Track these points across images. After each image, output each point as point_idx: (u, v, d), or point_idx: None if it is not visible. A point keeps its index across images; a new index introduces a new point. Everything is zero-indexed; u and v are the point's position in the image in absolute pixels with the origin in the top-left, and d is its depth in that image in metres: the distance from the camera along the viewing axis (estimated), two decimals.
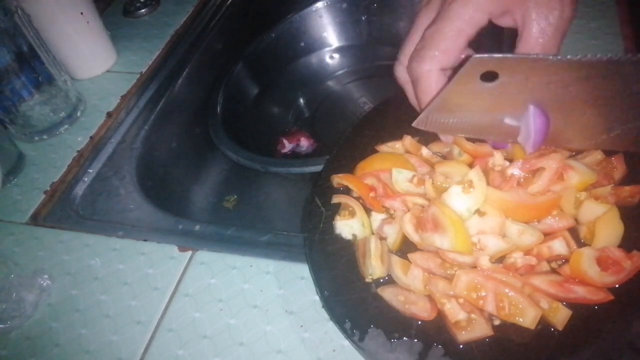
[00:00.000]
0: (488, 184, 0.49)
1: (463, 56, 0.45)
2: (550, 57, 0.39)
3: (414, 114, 0.52)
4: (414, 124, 0.49)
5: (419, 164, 0.56)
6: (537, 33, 0.43)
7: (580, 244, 0.47)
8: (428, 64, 0.45)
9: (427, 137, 0.60)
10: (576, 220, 0.48)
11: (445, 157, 0.57)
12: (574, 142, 0.48)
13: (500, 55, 0.39)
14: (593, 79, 0.40)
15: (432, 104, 0.46)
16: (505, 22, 0.46)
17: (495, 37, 0.70)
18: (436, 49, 0.45)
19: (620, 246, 0.45)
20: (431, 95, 0.46)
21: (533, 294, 0.44)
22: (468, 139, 0.54)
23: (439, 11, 0.45)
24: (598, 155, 0.51)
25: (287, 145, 0.93)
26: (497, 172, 0.50)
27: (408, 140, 0.58)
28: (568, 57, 0.38)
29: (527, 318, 0.42)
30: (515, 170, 0.49)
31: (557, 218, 0.48)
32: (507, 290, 0.43)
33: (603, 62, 0.38)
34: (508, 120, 0.46)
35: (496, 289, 0.44)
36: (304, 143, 0.93)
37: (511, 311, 0.43)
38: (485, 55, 0.38)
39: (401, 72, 0.51)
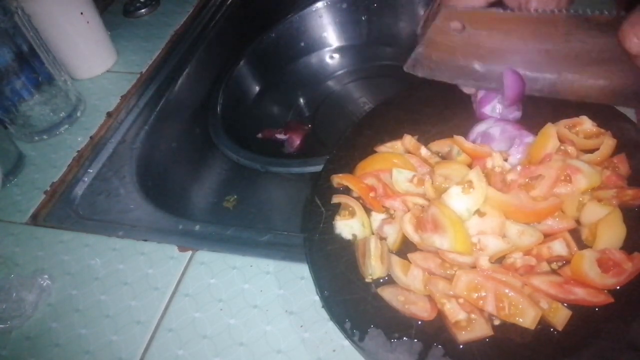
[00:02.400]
0: (489, 185, 0.49)
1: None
2: (505, 11, 0.46)
3: (413, 114, 0.54)
4: (404, 68, 0.56)
5: (419, 164, 0.56)
6: None
7: (582, 245, 0.47)
8: None
9: (427, 137, 0.60)
10: (578, 221, 0.48)
11: (445, 157, 0.57)
12: (560, 93, 0.53)
13: (466, 8, 0.47)
14: (545, 34, 0.48)
15: (416, 51, 0.53)
16: None
17: None
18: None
19: (622, 248, 0.45)
20: None
21: (533, 294, 0.44)
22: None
23: None
24: (608, 144, 0.51)
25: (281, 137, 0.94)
26: (497, 175, 0.50)
27: (408, 139, 0.58)
28: (525, 12, 0.46)
29: (527, 318, 0.42)
30: (515, 177, 0.49)
31: (557, 219, 0.48)
32: (507, 291, 0.43)
33: (547, 17, 0.45)
34: (477, 67, 0.53)
35: (496, 289, 0.44)
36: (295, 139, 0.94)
37: (511, 311, 0.43)
38: (454, 7, 0.47)
39: None
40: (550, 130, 0.51)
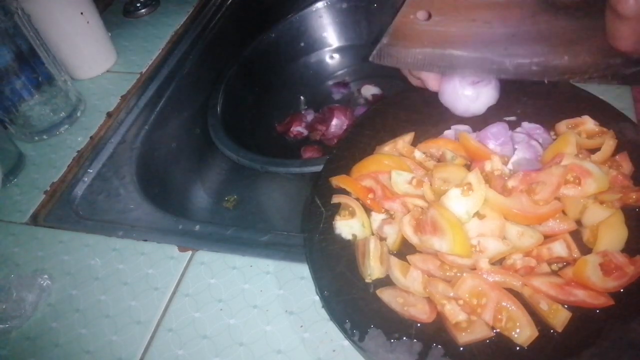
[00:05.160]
0: (489, 188, 0.49)
1: None
2: None
3: (413, 114, 0.57)
4: (370, 59, 0.56)
5: (414, 167, 0.56)
6: None
7: (583, 246, 0.47)
8: None
9: (426, 137, 0.60)
10: (579, 223, 0.48)
11: (439, 160, 0.57)
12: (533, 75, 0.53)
13: None
14: (511, 18, 0.49)
15: (381, 41, 0.53)
16: None
17: None
18: None
19: (623, 250, 0.45)
20: None
21: (533, 295, 0.44)
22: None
23: None
24: (609, 144, 0.51)
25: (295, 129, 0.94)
26: (497, 179, 0.50)
27: (401, 143, 0.58)
28: None
29: (522, 336, 0.42)
30: (515, 183, 0.49)
31: (558, 221, 0.48)
32: (508, 304, 0.43)
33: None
34: (443, 53, 0.53)
35: (498, 300, 0.44)
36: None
37: (508, 325, 0.43)
38: None
39: None
40: (570, 137, 0.51)
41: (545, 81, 0.53)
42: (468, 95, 0.56)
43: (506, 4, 0.48)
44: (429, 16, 0.51)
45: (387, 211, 0.54)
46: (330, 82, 1.05)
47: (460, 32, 0.52)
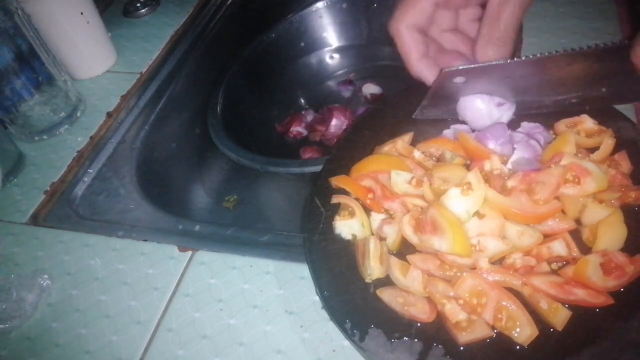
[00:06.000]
0: (489, 187, 0.49)
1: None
2: (500, 62, 0.49)
3: (412, 114, 0.58)
4: (413, 116, 0.60)
5: (413, 167, 0.56)
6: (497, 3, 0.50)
7: (582, 245, 0.47)
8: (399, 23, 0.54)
9: (426, 137, 0.60)
10: (579, 222, 0.48)
11: (438, 159, 0.57)
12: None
13: (464, 66, 0.50)
14: (546, 69, 0.51)
15: (422, 104, 0.58)
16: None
17: None
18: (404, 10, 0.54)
19: (622, 249, 0.45)
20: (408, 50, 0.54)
21: (533, 294, 0.44)
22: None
23: None
24: (608, 144, 0.52)
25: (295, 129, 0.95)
26: (497, 178, 0.50)
27: (400, 143, 0.58)
28: (522, 59, 0.49)
29: (523, 335, 0.42)
30: (515, 183, 0.49)
31: (557, 220, 0.48)
32: (508, 304, 0.43)
33: (541, 59, 0.48)
34: (478, 104, 0.56)
35: (498, 299, 0.44)
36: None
37: (508, 324, 0.43)
38: (453, 67, 0.50)
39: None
40: (569, 136, 0.51)
41: (587, 108, 0.55)
42: (493, 115, 0.57)
43: (537, 63, 0.49)
44: (465, 80, 0.53)
45: (386, 211, 0.54)
46: (335, 82, 1.05)
47: (496, 87, 0.54)
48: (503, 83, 0.54)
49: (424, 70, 0.54)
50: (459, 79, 0.52)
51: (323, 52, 1.07)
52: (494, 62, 0.50)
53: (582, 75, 0.51)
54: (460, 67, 0.51)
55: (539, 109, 0.57)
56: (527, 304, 0.44)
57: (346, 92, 1.02)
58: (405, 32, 0.54)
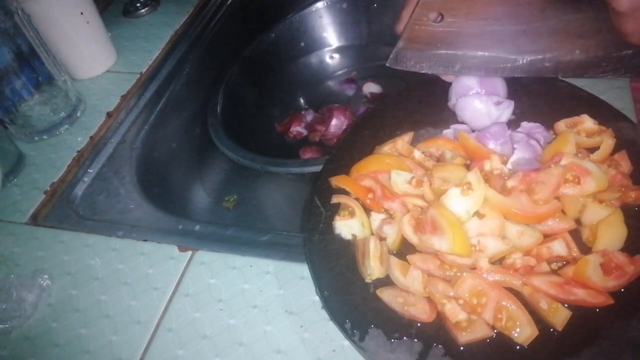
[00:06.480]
0: (489, 187, 0.49)
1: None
2: None
3: (413, 114, 0.57)
4: (387, 64, 0.57)
5: (414, 167, 0.56)
6: None
7: (582, 245, 0.47)
8: None
9: (426, 138, 0.60)
10: (578, 222, 0.48)
11: (438, 159, 0.57)
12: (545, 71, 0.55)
13: None
14: (520, 14, 0.50)
15: (397, 46, 0.55)
16: None
17: None
18: None
19: (622, 249, 0.45)
20: None
21: (533, 294, 0.44)
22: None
23: None
24: (608, 144, 0.52)
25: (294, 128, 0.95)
26: (497, 178, 0.50)
27: (400, 143, 0.58)
28: None
29: (523, 335, 0.42)
30: (515, 183, 0.49)
31: (557, 220, 0.48)
32: (508, 304, 0.43)
33: None
34: (457, 54, 0.55)
35: (498, 299, 0.44)
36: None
37: (508, 324, 0.43)
38: None
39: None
40: (569, 136, 0.52)
41: (559, 77, 0.54)
42: (492, 114, 0.57)
43: (515, 1, 0.49)
44: (442, 17, 0.52)
45: (386, 211, 0.54)
46: (335, 82, 1.05)
47: (472, 32, 0.53)
48: (479, 26, 0.52)
49: None
50: (434, 15, 0.52)
51: (323, 52, 1.07)
52: None
53: (556, 27, 0.50)
54: None
55: (514, 72, 0.56)
56: (527, 304, 0.44)
57: (349, 91, 1.02)
58: None
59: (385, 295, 0.48)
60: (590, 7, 0.46)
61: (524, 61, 0.55)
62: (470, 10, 0.52)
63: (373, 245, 0.49)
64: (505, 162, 0.53)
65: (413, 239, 0.49)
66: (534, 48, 0.53)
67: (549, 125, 0.57)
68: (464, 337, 0.43)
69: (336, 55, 1.07)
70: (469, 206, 0.48)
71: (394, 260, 0.49)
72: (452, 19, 0.52)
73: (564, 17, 0.50)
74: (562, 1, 0.48)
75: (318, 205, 0.56)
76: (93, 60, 0.95)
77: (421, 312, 0.46)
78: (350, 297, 0.48)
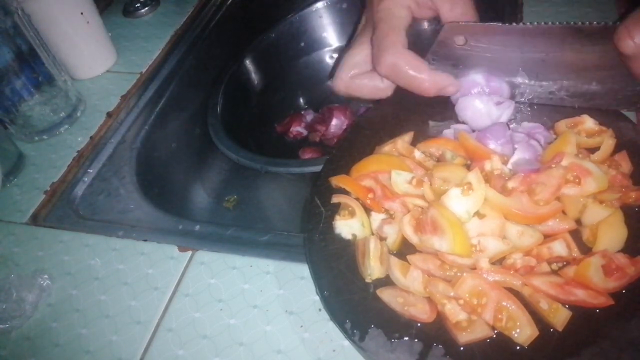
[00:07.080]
0: (489, 187, 0.49)
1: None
2: (503, 24, 0.51)
3: (413, 114, 0.58)
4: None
5: (414, 167, 0.56)
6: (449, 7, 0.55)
7: (582, 246, 0.47)
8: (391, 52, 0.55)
9: (426, 138, 0.60)
10: (579, 222, 0.48)
11: (439, 159, 0.57)
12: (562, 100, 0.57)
13: (469, 22, 0.53)
14: (540, 44, 0.52)
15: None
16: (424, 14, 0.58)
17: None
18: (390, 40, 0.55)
19: (623, 249, 0.45)
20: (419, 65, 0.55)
21: (533, 294, 0.44)
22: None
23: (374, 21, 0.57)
24: (608, 144, 0.52)
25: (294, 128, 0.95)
26: (497, 179, 0.50)
27: (400, 143, 0.58)
28: (520, 24, 0.51)
29: (523, 335, 0.42)
30: (516, 184, 0.49)
31: (558, 220, 0.48)
32: (508, 304, 0.43)
33: (540, 28, 0.51)
34: (477, 77, 0.58)
35: (499, 299, 0.44)
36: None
37: (508, 325, 0.43)
38: (457, 22, 0.53)
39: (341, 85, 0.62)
40: (570, 137, 0.52)
41: (576, 106, 0.56)
42: (493, 114, 0.57)
43: (535, 31, 0.51)
44: (466, 41, 0.54)
45: (387, 211, 0.54)
46: None
47: (494, 57, 0.55)
48: (500, 52, 0.54)
49: (441, 75, 0.55)
50: (460, 39, 0.54)
51: (323, 52, 1.07)
52: (494, 24, 0.52)
53: (574, 59, 0.52)
54: (462, 23, 0.54)
55: (532, 98, 0.58)
56: (527, 304, 0.44)
57: None
58: (406, 52, 0.55)
59: (385, 295, 0.48)
60: (608, 41, 0.47)
61: (542, 89, 0.57)
62: (492, 36, 0.54)
63: (373, 245, 0.49)
64: (505, 162, 0.53)
65: (413, 239, 0.49)
66: (552, 77, 0.55)
67: (549, 125, 0.57)
68: (464, 337, 0.43)
69: (336, 55, 1.07)
70: (469, 206, 0.47)
71: (394, 260, 0.49)
72: (474, 43, 0.54)
73: (581, 49, 0.51)
74: (580, 34, 0.50)
75: (318, 205, 0.56)
76: (93, 60, 0.95)
77: (421, 312, 0.46)
78: (350, 297, 0.48)
